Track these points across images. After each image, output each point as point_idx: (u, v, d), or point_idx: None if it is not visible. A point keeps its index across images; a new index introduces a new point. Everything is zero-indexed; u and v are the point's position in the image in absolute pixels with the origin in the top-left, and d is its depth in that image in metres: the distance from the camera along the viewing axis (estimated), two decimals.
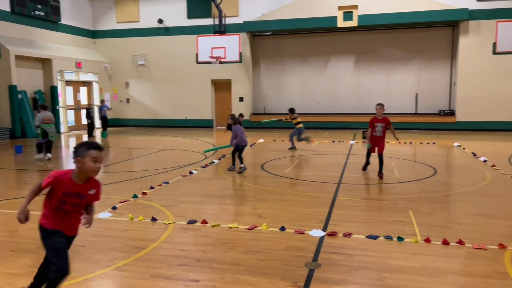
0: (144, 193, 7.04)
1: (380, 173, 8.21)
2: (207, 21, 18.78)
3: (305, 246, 4.61)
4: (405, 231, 5.09)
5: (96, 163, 3.01)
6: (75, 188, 3.04)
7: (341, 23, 17.47)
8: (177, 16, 19.75)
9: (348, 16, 17.36)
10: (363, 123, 17.92)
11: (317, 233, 5.03)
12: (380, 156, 8.27)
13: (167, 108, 20.49)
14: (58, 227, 3.11)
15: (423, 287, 3.62)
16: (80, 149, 3.01)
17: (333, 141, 14.30)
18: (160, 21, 19.90)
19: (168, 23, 19.93)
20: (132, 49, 20.57)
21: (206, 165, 9.72)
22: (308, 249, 4.54)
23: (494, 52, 13.95)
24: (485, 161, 9.86)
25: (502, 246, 4.52)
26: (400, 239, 4.79)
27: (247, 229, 5.20)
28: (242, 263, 4.18)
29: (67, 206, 3.08)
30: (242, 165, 9.03)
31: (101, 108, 17.04)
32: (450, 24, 17.50)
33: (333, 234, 4.97)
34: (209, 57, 16.07)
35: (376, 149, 8.33)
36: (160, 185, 7.68)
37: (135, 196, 6.81)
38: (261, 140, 14.58)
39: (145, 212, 5.93)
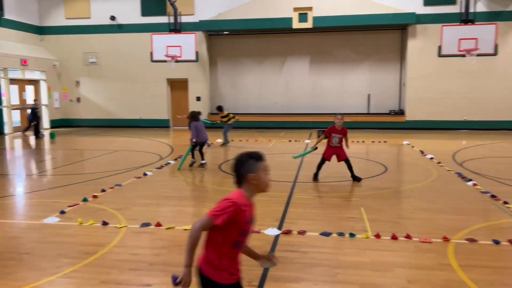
0: (95, 196, 6.78)
1: (355, 178, 7.85)
2: (162, 19, 18.41)
3: (261, 245, 4.62)
4: (357, 227, 5.24)
5: (268, 175, 2.44)
6: (252, 211, 2.45)
7: (296, 24, 17.72)
8: (131, 13, 19.21)
9: (303, 17, 17.64)
10: (319, 122, 18.33)
11: (273, 231, 5.07)
12: (347, 161, 7.89)
13: (121, 107, 19.89)
14: (236, 275, 2.40)
15: (372, 281, 3.75)
16: (249, 163, 2.38)
17: (290, 141, 14.48)
18: (113, 18, 19.27)
19: (121, 20, 19.34)
20: (83, 47, 19.77)
21: (162, 166, 9.52)
22: (263, 248, 4.55)
23: (439, 55, 14.67)
24: (431, 158, 10.37)
25: (446, 239, 4.76)
26: (352, 235, 4.93)
27: None
28: None
29: (244, 238, 2.44)
30: (203, 161, 9.45)
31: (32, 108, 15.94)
32: (399, 27, 18.24)
33: (288, 232, 5.02)
34: (164, 55, 15.76)
35: (336, 157, 7.93)
36: (112, 187, 7.43)
37: (85, 200, 6.55)
38: (219, 140, 14.50)
39: (96, 216, 5.72)
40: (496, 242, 4.64)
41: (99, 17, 19.48)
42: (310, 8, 17.54)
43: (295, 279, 3.80)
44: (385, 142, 14.01)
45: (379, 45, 18.77)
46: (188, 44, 15.67)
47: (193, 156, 9.51)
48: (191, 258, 2.28)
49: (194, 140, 9.23)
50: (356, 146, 13.15)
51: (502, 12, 16.77)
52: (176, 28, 16.20)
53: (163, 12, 18.50)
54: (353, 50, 18.96)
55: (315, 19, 17.47)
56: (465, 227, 5.17)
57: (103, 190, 7.16)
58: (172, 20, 16.58)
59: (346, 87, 19.22)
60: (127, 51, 19.35)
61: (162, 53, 15.76)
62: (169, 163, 9.98)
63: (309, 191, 7.18)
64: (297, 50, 19.36)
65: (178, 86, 19.75)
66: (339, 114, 7.92)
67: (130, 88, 19.64)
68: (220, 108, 13.32)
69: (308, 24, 17.62)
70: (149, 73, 19.26)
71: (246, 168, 2.37)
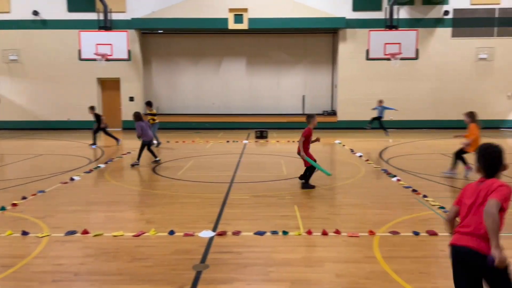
0: (14, 205, 6.26)
1: (304, 179, 7.41)
2: (91, 16, 17.51)
3: (194, 248, 4.56)
4: (290, 225, 5.35)
5: None
6: None
7: (232, 25, 17.77)
8: (56, 8, 18.06)
9: (238, 18, 17.74)
10: (256, 123, 18.55)
11: (207, 234, 5.02)
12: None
13: (46, 108, 18.62)
14: None
15: (303, 277, 3.84)
16: (503, 156, 2.64)
17: (228, 141, 14.48)
18: (36, 13, 17.99)
19: (45, 15, 18.12)
20: (2, 43, 18.24)
21: (91, 170, 9.05)
22: (197, 251, 4.50)
23: (367, 58, 15.49)
24: (360, 156, 10.91)
25: (372, 233, 5.02)
26: (285, 233, 5.02)
27: (133, 236, 4.96)
28: (126, 272, 3.97)
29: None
30: (156, 158, 10.03)
31: None
32: (331, 31, 19.00)
33: (222, 234, 5.00)
34: (94, 54, 15.00)
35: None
36: (35, 194, 6.92)
37: (2, 209, 6.03)
38: (154, 142, 14.08)
39: (15, 226, 5.29)
40: (416, 234, 4.98)
41: (20, 12, 18.11)
42: (245, 10, 17.68)
43: (228, 280, 3.79)
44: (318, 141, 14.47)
45: (313, 47, 19.41)
46: (120, 42, 15.05)
47: (139, 158, 9.69)
48: (499, 239, 2.38)
49: (140, 137, 9.78)
50: (292, 145, 13.48)
51: (422, 19, 18.11)
52: (107, 25, 15.48)
53: (91, 8, 17.63)
54: (288, 52, 19.42)
55: (251, 20, 17.64)
56: (389, 221, 5.49)
57: (24, 198, 6.65)
58: (102, 16, 15.84)
59: (282, 88, 19.63)
60: (53, 49, 18.19)
61: (92, 51, 14.98)
62: (99, 166, 9.51)
63: (245, 191, 7.21)
64: (234, 51, 19.42)
65: (109, 86, 18.93)
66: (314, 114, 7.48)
67: (57, 88, 18.47)
68: (149, 104, 12.93)
69: (244, 25, 17.75)
70: (77, 72, 18.26)
71: (502, 159, 2.64)
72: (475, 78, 18.46)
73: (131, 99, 18.68)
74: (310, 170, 7.35)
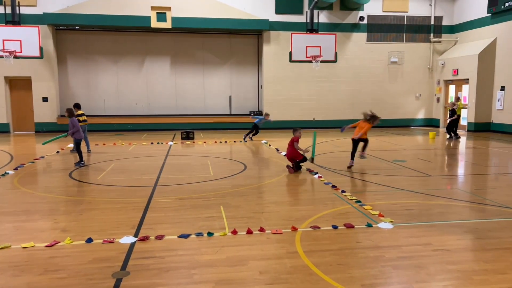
0: None
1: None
2: None
3: (114, 256, 4.36)
4: (215, 226, 5.34)
5: None
6: None
7: (154, 24, 17.30)
8: None
9: (161, 17, 17.32)
10: (182, 124, 18.28)
11: (128, 239, 4.83)
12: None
13: None
14: None
15: (226, 277, 3.85)
16: None
17: (152, 143, 14.06)
18: None
19: None
20: None
21: None
22: (117, 258, 4.31)
23: (290, 60, 16.00)
24: (285, 155, 11.21)
25: (294, 229, 5.19)
26: (210, 234, 5.00)
27: (45, 246, 4.61)
28: (36, 286, 3.67)
29: None
30: (82, 161, 9.92)
31: None
32: (255, 32, 19.32)
33: (144, 239, 4.84)
34: (0, 50, 13.70)
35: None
36: None
37: None
38: (71, 145, 13.24)
39: None
40: (335, 227, 5.25)
41: None
42: (169, 8, 17.32)
43: (149, 286, 3.68)
44: (245, 141, 14.65)
45: (238, 48, 19.58)
46: (31, 38, 13.92)
47: (81, 157, 9.89)
48: None
49: (68, 134, 9.86)
50: (219, 146, 13.49)
51: (340, 23, 19.14)
52: (15, 19, 14.22)
53: None
54: (213, 52, 19.37)
55: (174, 19, 17.32)
56: (311, 216, 5.73)
57: None
58: (9, 10, 14.52)
59: (208, 88, 19.54)
60: None
61: None
62: (7, 173, 8.70)
63: (169, 194, 7.06)
64: (157, 50, 18.93)
65: (19, 85, 17.43)
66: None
67: None
68: (77, 106, 11.87)
69: (167, 24, 17.38)
70: None
71: None
72: (388, 80, 19.95)
73: (45, 99, 17.35)
74: (302, 160, 9.10)
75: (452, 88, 19.49)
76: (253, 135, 14.94)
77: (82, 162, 9.88)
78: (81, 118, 11.48)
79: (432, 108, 20.44)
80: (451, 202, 6.54)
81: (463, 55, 18.30)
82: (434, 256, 4.32)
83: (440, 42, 20.04)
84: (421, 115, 20.51)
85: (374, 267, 4.07)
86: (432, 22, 19.85)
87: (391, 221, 5.45)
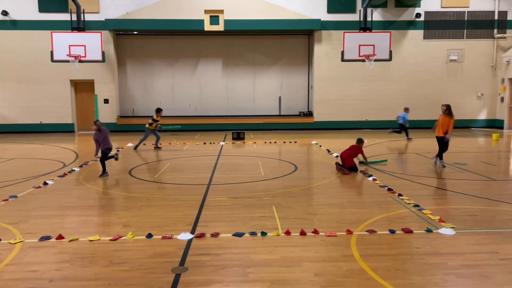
0: None
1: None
2: (63, 16, 17.13)
3: (173, 251, 4.53)
4: (268, 225, 5.38)
5: None
6: None
7: (208, 27, 17.71)
8: (26, 8, 17.55)
9: (214, 20, 17.69)
10: (233, 124, 18.54)
11: (185, 236, 4.99)
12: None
13: (17, 111, 18.05)
14: None
15: (281, 277, 3.87)
16: None
17: (205, 143, 14.41)
18: (5, 13, 17.43)
19: (15, 15, 17.58)
20: None
21: (65, 174, 8.84)
22: (175, 253, 4.47)
23: (342, 59, 15.71)
24: (337, 156, 11.04)
25: (349, 232, 5.10)
26: (263, 234, 5.04)
27: (110, 240, 4.88)
28: (103, 277, 3.90)
29: None
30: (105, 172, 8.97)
31: None
32: (306, 33, 19.19)
33: (201, 236, 4.98)
34: (67, 55, 14.67)
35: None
36: (6, 199, 6.72)
37: None
38: (130, 144, 13.90)
39: None
40: (392, 232, 5.09)
41: None
42: (221, 11, 17.65)
43: (206, 282, 3.78)
44: (295, 142, 14.61)
45: (288, 49, 19.54)
46: (93, 44, 14.77)
47: (104, 168, 8.77)
48: None
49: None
50: (269, 146, 13.55)
51: (395, 21, 18.52)
52: (80, 26, 15.18)
53: (64, 9, 17.24)
54: (263, 53, 19.49)
55: (227, 22, 17.62)
56: (366, 219, 5.60)
57: None
58: (74, 17, 15.51)
59: (258, 89, 19.68)
60: (22, 50, 17.65)
61: (64, 52, 14.66)
62: (73, 170, 9.30)
63: (223, 193, 7.20)
64: (210, 52, 19.35)
65: (83, 87, 18.54)
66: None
67: (27, 90, 17.93)
68: (159, 110, 12.92)
69: (220, 27, 17.71)
70: (49, 74, 17.79)
71: None
72: (446, 79, 19.01)
73: (106, 101, 18.34)
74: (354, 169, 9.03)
75: None
76: (406, 135, 14.83)
77: (106, 173, 8.83)
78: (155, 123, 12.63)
79: (496, 108, 19.19)
80: None
81: None
82: (501, 266, 4.07)
83: (504, 38, 18.77)
84: (483, 116, 19.33)
85: (436, 274, 3.91)
86: (496, 17, 18.65)
87: (453, 227, 5.20)
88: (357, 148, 9.29)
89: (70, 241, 4.86)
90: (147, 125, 12.71)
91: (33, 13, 17.62)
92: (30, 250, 4.60)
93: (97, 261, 4.28)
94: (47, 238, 4.94)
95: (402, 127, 14.88)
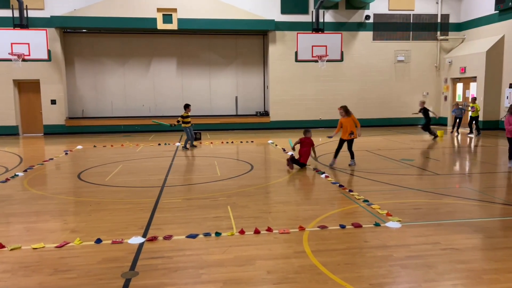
0: None
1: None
2: (5, 13, 16.20)
3: (123, 256, 4.40)
4: (223, 226, 5.36)
5: None
6: None
7: (160, 25, 17.39)
8: None
9: (167, 18, 17.40)
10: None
11: (136, 240, 4.86)
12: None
13: None
14: None
15: (234, 276, 3.87)
16: None
17: (159, 144, 14.13)
18: None
19: None
20: None
21: (7, 179, 8.35)
22: (126, 258, 4.34)
23: (296, 60, 15.98)
24: (291, 155, 11.20)
25: (301, 228, 5.19)
26: (218, 234, 5.02)
27: (55, 247, 4.66)
28: (47, 286, 3.72)
29: None
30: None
31: None
32: (261, 33, 19.33)
33: (153, 239, 4.87)
34: (9, 53, 13.87)
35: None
36: None
37: None
38: (79, 147, 13.36)
39: None
40: (342, 227, 5.24)
41: None
42: (174, 10, 17.39)
43: (158, 286, 3.70)
44: (252, 141, 14.68)
45: (243, 49, 19.60)
46: (38, 42, 14.10)
47: None
48: None
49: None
50: (226, 146, 13.51)
51: (345, 23, 19.09)
52: (22, 23, 14.40)
53: (5, 5, 16.31)
54: (219, 53, 19.42)
55: (180, 21, 17.39)
56: (318, 216, 5.72)
57: None
58: (16, 14, 14.69)
59: (214, 89, 19.59)
60: None
61: (6, 50, 13.88)
62: (16, 175, 8.80)
63: (177, 195, 7.10)
64: (163, 51, 19.01)
65: (28, 88, 17.61)
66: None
67: None
68: (186, 106, 12.88)
69: (173, 26, 17.45)
70: None
71: None
72: (395, 79, 19.85)
73: (53, 102, 17.52)
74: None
75: (459, 86, 19.35)
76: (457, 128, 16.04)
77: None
78: (187, 120, 12.60)
79: (440, 106, 20.29)
80: (460, 200, 6.50)
81: (470, 53, 18.16)
82: (443, 255, 4.30)
83: (447, 40, 19.90)
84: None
85: (383, 266, 4.06)
86: (439, 20, 19.72)
87: (399, 220, 5.43)
88: (310, 141, 9.51)
89: (11, 249, 4.59)
90: (182, 125, 12.71)
91: None
92: None
93: (41, 270, 4.07)
94: None
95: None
